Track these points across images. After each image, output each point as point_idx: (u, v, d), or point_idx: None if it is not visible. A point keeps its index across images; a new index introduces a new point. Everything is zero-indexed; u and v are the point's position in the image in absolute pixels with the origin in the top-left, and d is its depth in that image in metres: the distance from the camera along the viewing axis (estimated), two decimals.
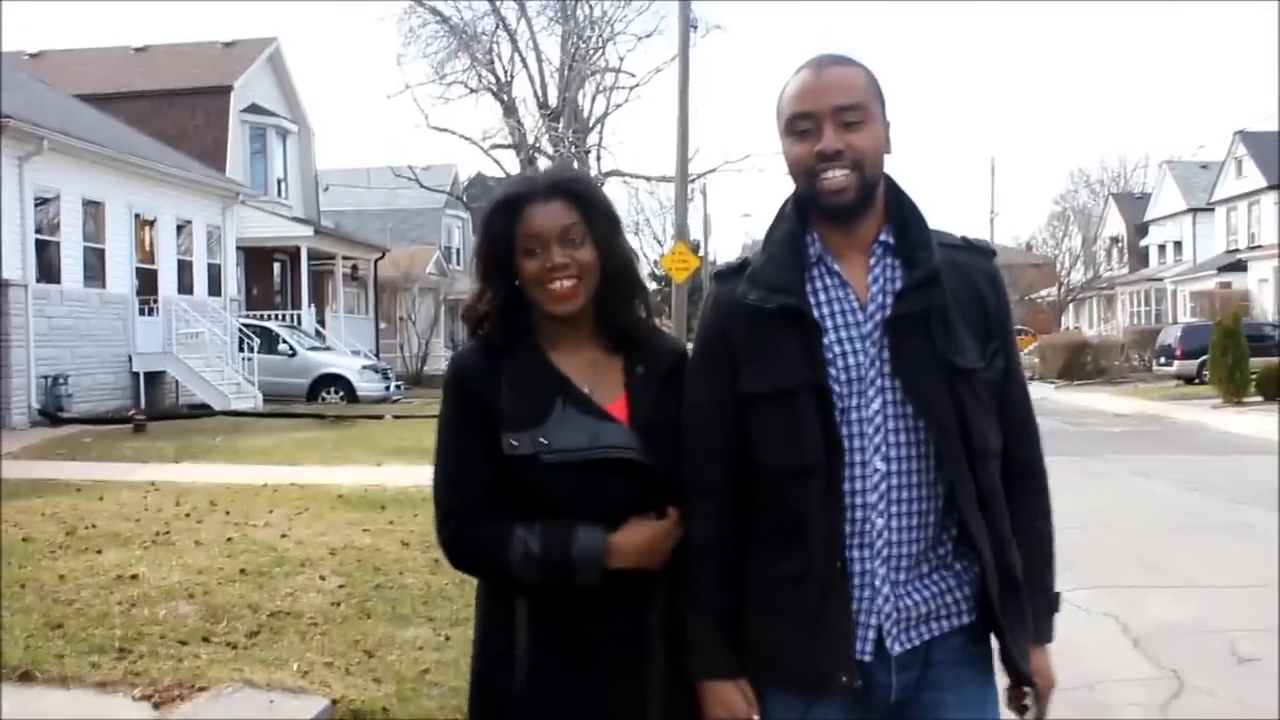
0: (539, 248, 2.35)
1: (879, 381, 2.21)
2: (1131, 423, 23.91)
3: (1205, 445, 18.68)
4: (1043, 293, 65.56)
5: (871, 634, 2.23)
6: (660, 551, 2.32)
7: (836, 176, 2.19)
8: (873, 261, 2.27)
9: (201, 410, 21.00)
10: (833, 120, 2.20)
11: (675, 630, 2.33)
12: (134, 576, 6.56)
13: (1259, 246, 45.14)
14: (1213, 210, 51.21)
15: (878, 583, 2.22)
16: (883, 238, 2.28)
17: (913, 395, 2.19)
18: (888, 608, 2.22)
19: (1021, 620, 2.29)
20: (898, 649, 2.23)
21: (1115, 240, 63.59)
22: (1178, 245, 55.74)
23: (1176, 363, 34.04)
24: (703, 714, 2.33)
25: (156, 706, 4.59)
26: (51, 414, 18.43)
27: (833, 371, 2.21)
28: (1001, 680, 2.39)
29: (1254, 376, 25.82)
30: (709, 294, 2.42)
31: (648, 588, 2.34)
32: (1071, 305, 65.52)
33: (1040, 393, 36.00)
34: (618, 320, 2.44)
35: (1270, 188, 45.40)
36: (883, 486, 2.21)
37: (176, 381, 22.53)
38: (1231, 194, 49.12)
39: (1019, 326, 54.51)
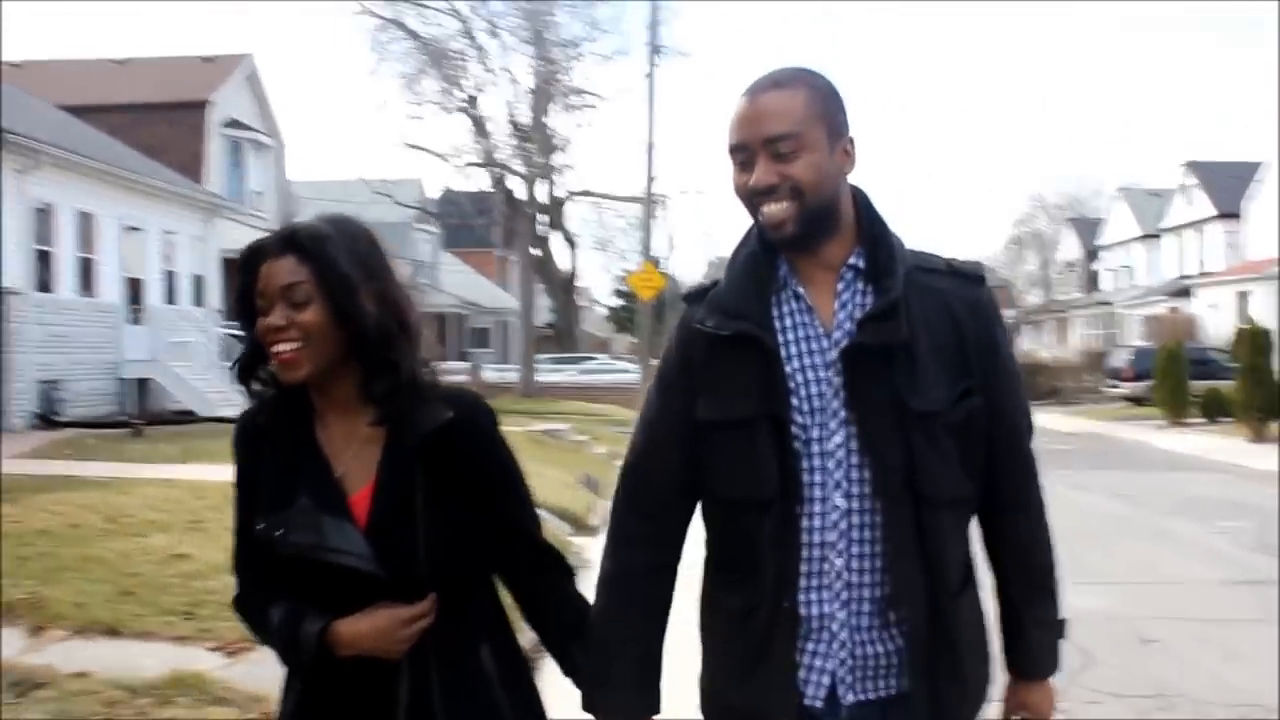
0: (267, 305, 2.17)
1: (841, 413, 2.08)
2: (1078, 441, 24.83)
3: (1144, 462, 19.69)
4: None
5: (826, 679, 2.11)
6: (391, 639, 2.17)
7: (773, 210, 2.07)
8: (841, 286, 2.13)
9: (188, 416, 21.67)
10: (765, 152, 2.07)
11: (437, 713, 2.22)
12: (184, 555, 7.40)
13: (1207, 273, 46.56)
14: (1162, 237, 52.58)
15: (835, 627, 2.09)
16: (852, 261, 2.14)
17: (863, 434, 2.07)
18: (843, 654, 2.10)
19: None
20: (850, 698, 2.10)
21: (1070, 264, 65.01)
22: (1129, 270, 57.20)
23: (1125, 384, 34.87)
24: None
25: (228, 655, 5.49)
26: (47, 418, 19.13)
27: (795, 401, 2.09)
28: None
29: (1197, 399, 27.01)
30: (680, 317, 2.29)
31: (395, 676, 2.21)
32: (1027, 327, 66.88)
33: None
34: (374, 390, 2.19)
35: (1218, 217, 46.92)
36: (842, 525, 2.08)
37: (163, 387, 23.19)
38: (1181, 221, 50.43)
39: None
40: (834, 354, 2.09)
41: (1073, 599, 8.07)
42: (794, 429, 2.08)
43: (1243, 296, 40.99)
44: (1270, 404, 22.08)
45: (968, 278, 2.19)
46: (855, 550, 2.08)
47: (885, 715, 2.12)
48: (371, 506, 2.19)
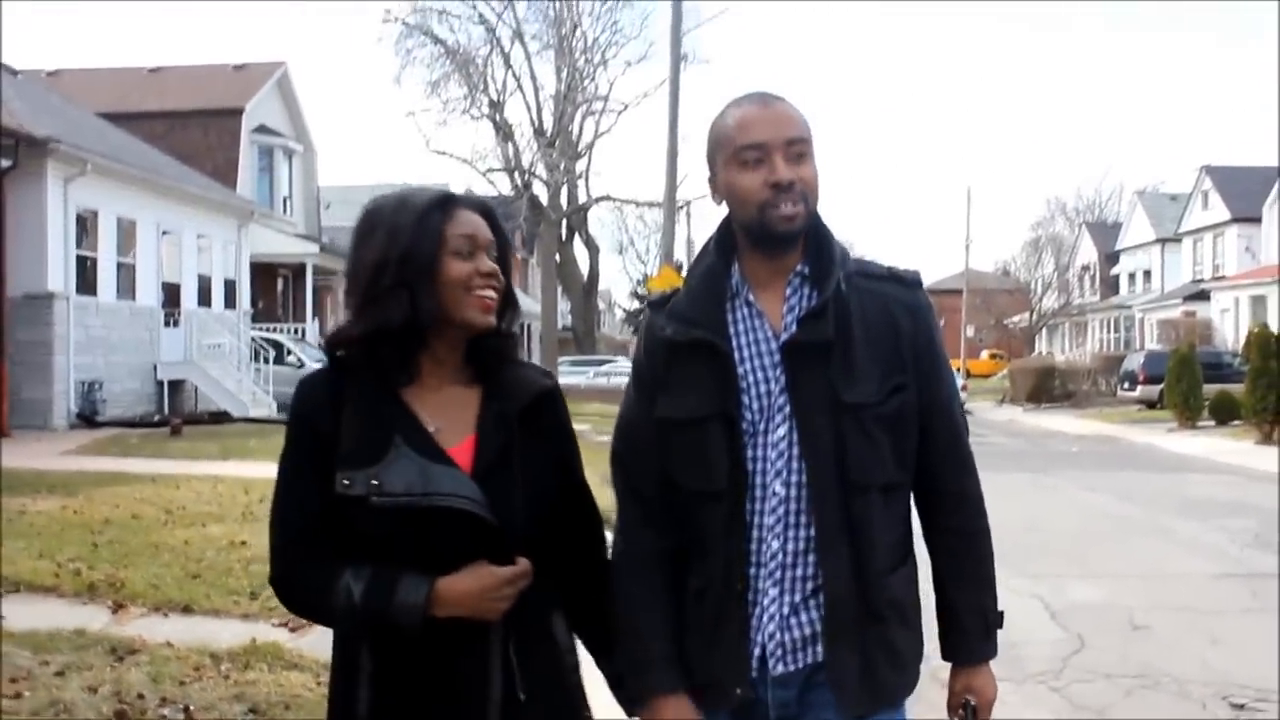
0: (471, 250, 2.22)
1: (786, 408, 2.24)
2: (1089, 443, 25.29)
3: (1152, 464, 20.03)
4: (1016, 318, 67.11)
5: (757, 650, 2.26)
6: (493, 600, 2.13)
7: (790, 208, 2.21)
8: (789, 291, 2.30)
9: (221, 416, 22.36)
10: (783, 152, 2.23)
11: (517, 679, 2.19)
12: (243, 543, 7.96)
13: (1222, 277, 46.83)
14: (1180, 241, 52.92)
15: (766, 602, 2.25)
16: (799, 268, 2.30)
17: (800, 424, 2.23)
18: (772, 627, 2.25)
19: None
20: (780, 670, 2.25)
21: (1087, 268, 65.13)
22: (1147, 274, 57.31)
23: (1139, 388, 35.12)
24: None
25: (292, 631, 6.04)
26: (88, 417, 19.80)
27: (745, 400, 2.25)
28: (940, 694, 2.43)
29: (1207, 402, 27.32)
30: (643, 321, 2.44)
31: (488, 641, 2.17)
32: (1044, 330, 66.98)
33: (1009, 414, 37.45)
34: (488, 347, 2.28)
35: (1233, 220, 47.20)
36: (780, 510, 2.24)
37: (196, 389, 23.93)
38: (1198, 225, 50.70)
39: (994, 351, 54.57)
40: (780, 355, 2.26)
41: (1073, 591, 8.61)
42: (743, 425, 2.25)
43: (1258, 300, 41.27)
44: None
45: (906, 283, 2.36)
46: (791, 534, 2.24)
47: (809, 681, 2.26)
48: (475, 457, 2.20)
